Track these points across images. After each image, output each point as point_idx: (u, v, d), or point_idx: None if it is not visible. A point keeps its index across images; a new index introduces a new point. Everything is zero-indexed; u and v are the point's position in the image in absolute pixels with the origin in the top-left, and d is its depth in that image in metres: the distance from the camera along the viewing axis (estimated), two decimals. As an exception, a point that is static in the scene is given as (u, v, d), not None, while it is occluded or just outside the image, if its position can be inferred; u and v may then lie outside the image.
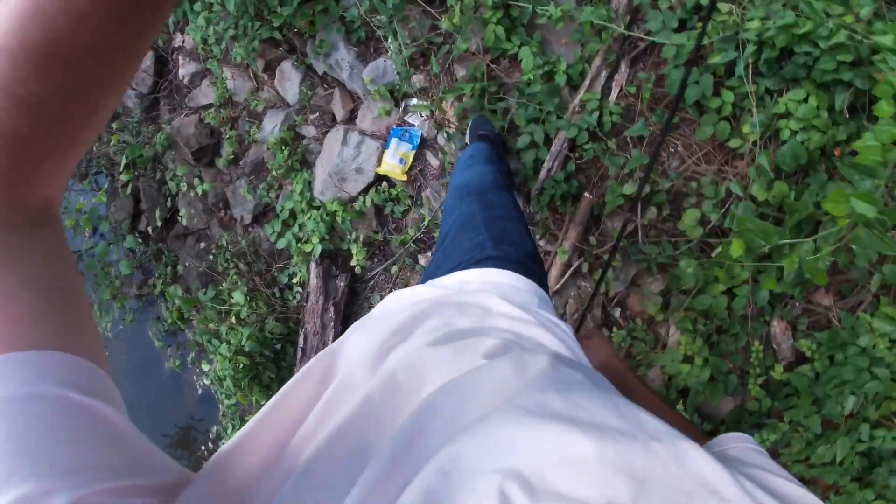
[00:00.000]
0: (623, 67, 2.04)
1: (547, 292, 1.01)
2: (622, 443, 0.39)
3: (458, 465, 0.40)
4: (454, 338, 0.59)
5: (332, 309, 2.58)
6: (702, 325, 1.75)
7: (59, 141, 0.37)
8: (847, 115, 1.58)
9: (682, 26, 1.89)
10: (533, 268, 1.01)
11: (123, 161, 2.70)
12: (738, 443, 0.61)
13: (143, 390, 3.26)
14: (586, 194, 2.09)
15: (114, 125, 2.78)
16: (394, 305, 0.80)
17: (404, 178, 2.45)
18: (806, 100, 1.59)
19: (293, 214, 2.65)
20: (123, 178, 2.75)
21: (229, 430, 2.91)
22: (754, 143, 1.72)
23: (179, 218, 2.87)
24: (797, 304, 1.76)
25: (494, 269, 0.94)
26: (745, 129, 1.72)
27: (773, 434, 1.70)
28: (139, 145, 2.74)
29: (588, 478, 0.37)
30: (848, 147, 1.57)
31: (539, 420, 0.42)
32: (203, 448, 3.02)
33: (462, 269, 0.96)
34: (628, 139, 2.03)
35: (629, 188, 1.95)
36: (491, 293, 0.75)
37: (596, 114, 2.02)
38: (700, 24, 1.82)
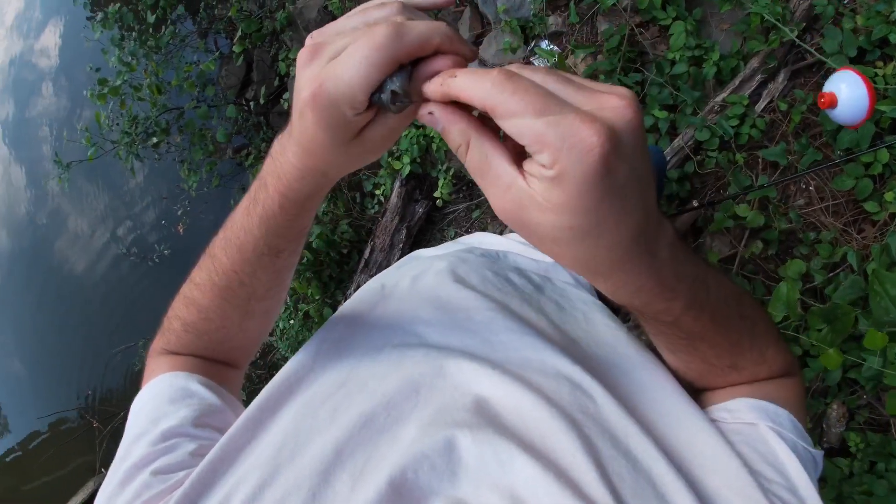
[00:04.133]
0: (781, 77, 1.89)
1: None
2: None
3: (455, 463, 0.47)
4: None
5: (404, 231, 2.67)
6: (763, 384, 1.71)
7: (203, 340, 0.66)
8: None
9: (861, 56, 1.71)
10: None
11: (239, 32, 2.78)
12: (759, 419, 0.53)
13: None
14: (695, 202, 2.01)
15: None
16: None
17: (512, 122, 2.41)
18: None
19: (392, 126, 2.68)
20: (236, 49, 2.84)
21: (282, 311, 3.15)
22: (892, 215, 1.58)
23: (282, 101, 2.96)
24: (865, 395, 1.68)
25: None
26: (889, 196, 1.58)
27: None
28: (256, 20, 2.80)
29: None
30: None
31: (531, 455, 0.46)
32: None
33: None
34: (760, 159, 1.90)
35: (744, 210, 1.85)
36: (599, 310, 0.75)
37: (735, 121, 1.90)
38: (881, 64, 1.64)
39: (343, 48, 0.39)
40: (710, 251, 1.93)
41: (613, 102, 0.35)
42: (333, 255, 2.80)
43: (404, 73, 0.39)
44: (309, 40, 0.42)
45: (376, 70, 0.37)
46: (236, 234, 0.55)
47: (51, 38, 5.56)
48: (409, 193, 2.66)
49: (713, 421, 0.53)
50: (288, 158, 0.47)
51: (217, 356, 0.69)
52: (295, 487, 0.46)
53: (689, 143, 1.99)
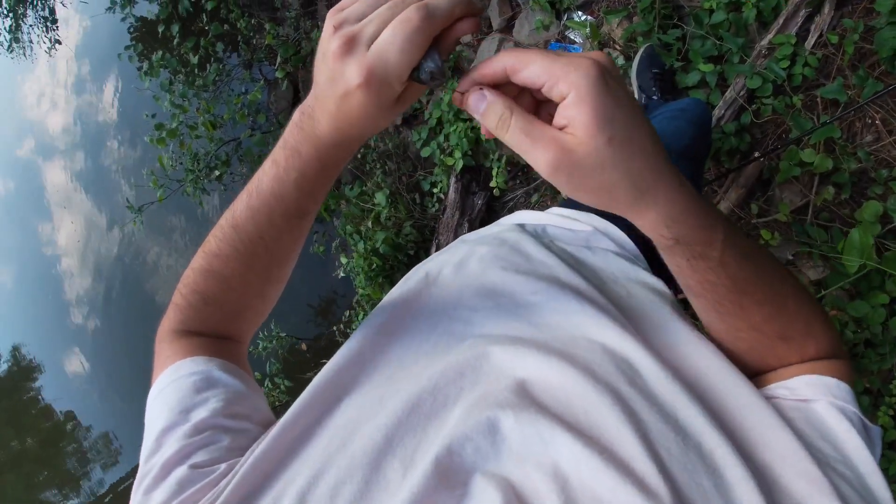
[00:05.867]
0: (827, 8, 1.82)
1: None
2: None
3: (499, 443, 0.49)
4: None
5: (466, 225, 2.72)
6: (850, 332, 1.67)
7: (224, 311, 0.70)
8: None
9: (909, -27, 1.62)
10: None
11: (279, 58, 2.90)
12: (819, 395, 0.54)
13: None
14: (757, 153, 1.97)
15: (266, 25, 2.96)
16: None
17: (558, 100, 2.41)
18: None
19: (440, 123, 2.73)
20: (279, 74, 2.97)
21: (360, 317, 3.25)
22: (970, 136, 1.52)
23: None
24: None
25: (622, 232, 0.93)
26: (963, 117, 1.51)
27: (886, 464, 1.67)
28: (293, 43, 2.90)
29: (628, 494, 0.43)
30: None
31: (575, 434, 0.48)
32: (334, 328, 3.42)
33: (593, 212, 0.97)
34: (818, 99, 1.84)
35: (810, 155, 1.80)
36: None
37: (786, 63, 1.84)
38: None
39: (375, 34, 0.46)
40: (780, 203, 1.89)
41: (586, 56, 0.46)
42: (401, 257, 2.89)
43: (436, 52, 0.47)
44: (332, 25, 0.48)
45: (418, 50, 0.46)
46: (265, 202, 0.60)
47: (110, 89, 5.90)
48: (465, 187, 2.71)
49: (770, 398, 0.54)
50: (323, 130, 0.53)
51: (230, 329, 0.72)
52: (347, 476, 0.48)
53: (742, 94, 1.94)
